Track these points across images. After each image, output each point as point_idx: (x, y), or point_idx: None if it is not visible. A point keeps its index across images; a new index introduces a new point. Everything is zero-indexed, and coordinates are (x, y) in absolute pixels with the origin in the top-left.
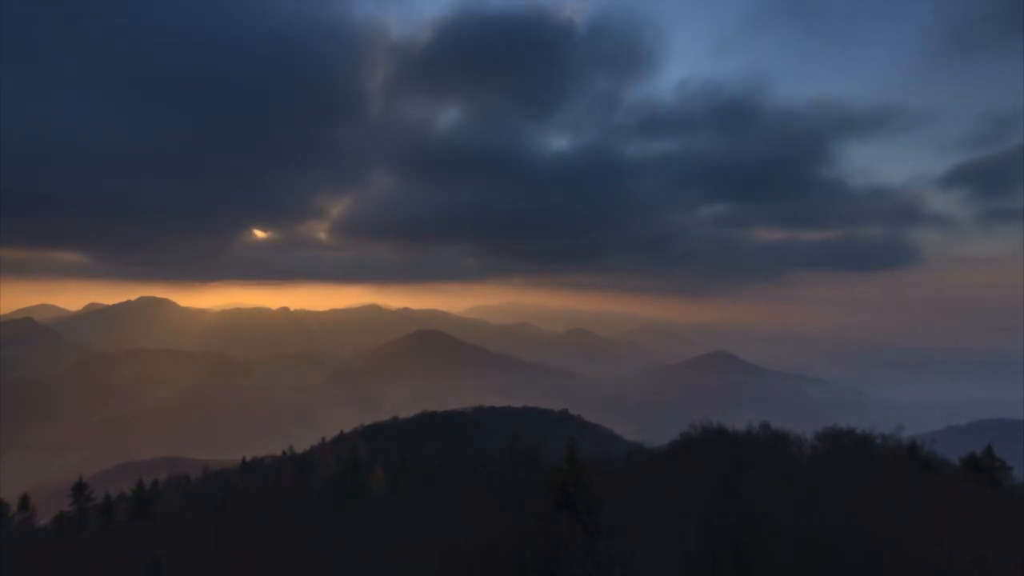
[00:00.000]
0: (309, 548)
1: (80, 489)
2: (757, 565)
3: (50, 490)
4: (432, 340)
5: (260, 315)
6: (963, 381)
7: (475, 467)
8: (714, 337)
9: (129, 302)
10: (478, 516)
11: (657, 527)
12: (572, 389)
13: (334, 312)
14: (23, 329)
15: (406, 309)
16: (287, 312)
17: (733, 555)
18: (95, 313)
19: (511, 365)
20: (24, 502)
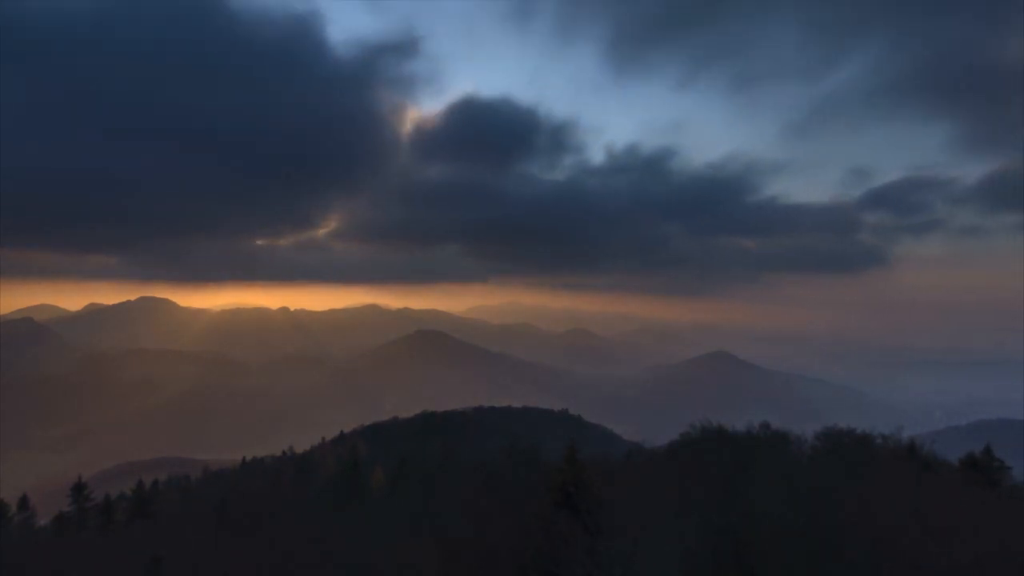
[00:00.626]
0: (309, 548)
1: (80, 489)
2: (757, 565)
3: (50, 490)
4: (432, 340)
5: (260, 315)
6: (963, 381)
7: (475, 467)
8: (714, 337)
9: (129, 302)
10: (478, 516)
11: (657, 527)
12: (572, 389)
13: (334, 312)
14: (23, 329)
15: (406, 309)
16: (287, 312)
17: (733, 555)
18: (95, 313)
19: (511, 365)
20: (24, 502)
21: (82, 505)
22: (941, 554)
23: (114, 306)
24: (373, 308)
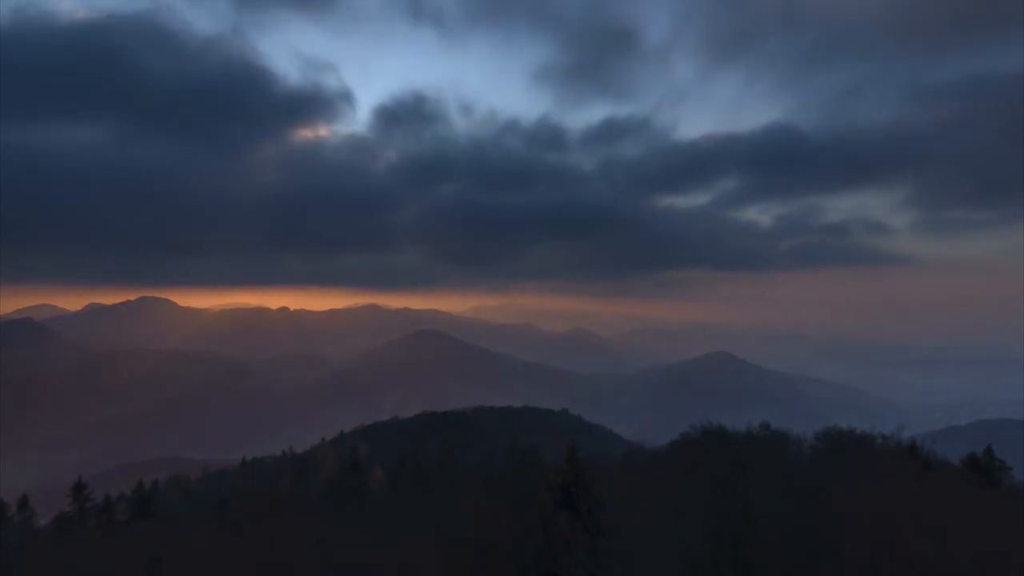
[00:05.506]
0: (309, 548)
1: (80, 489)
2: (757, 565)
3: (50, 490)
4: (432, 340)
5: (260, 315)
6: (963, 381)
7: (475, 467)
8: (714, 337)
9: (129, 302)
10: (478, 516)
11: (657, 527)
12: (572, 389)
13: (333, 312)
14: (23, 329)
15: (406, 309)
16: (287, 312)
17: (733, 555)
18: (95, 313)
19: (511, 365)
20: (24, 502)
21: (82, 505)
22: (941, 554)
23: (114, 306)
24: (373, 308)
